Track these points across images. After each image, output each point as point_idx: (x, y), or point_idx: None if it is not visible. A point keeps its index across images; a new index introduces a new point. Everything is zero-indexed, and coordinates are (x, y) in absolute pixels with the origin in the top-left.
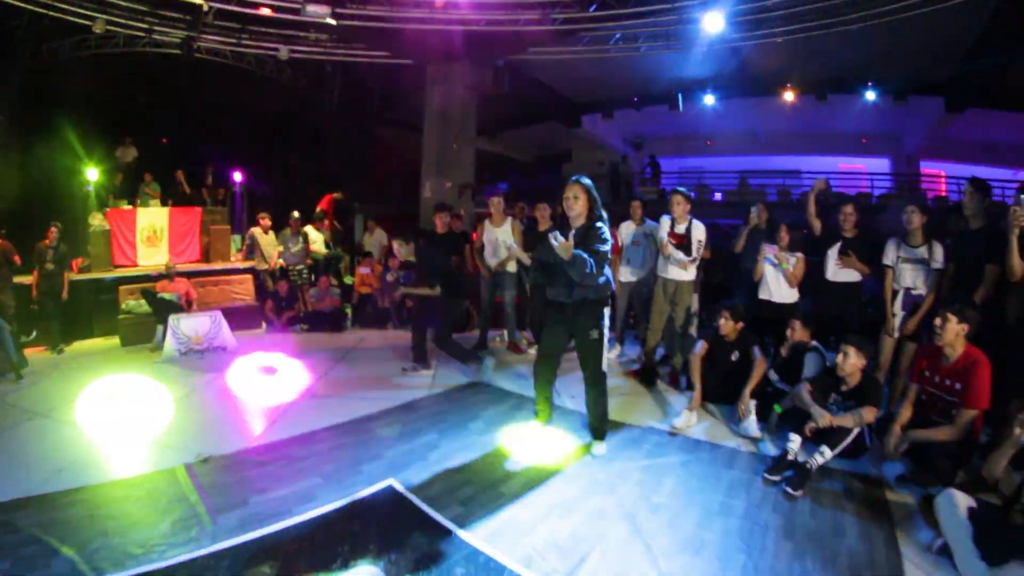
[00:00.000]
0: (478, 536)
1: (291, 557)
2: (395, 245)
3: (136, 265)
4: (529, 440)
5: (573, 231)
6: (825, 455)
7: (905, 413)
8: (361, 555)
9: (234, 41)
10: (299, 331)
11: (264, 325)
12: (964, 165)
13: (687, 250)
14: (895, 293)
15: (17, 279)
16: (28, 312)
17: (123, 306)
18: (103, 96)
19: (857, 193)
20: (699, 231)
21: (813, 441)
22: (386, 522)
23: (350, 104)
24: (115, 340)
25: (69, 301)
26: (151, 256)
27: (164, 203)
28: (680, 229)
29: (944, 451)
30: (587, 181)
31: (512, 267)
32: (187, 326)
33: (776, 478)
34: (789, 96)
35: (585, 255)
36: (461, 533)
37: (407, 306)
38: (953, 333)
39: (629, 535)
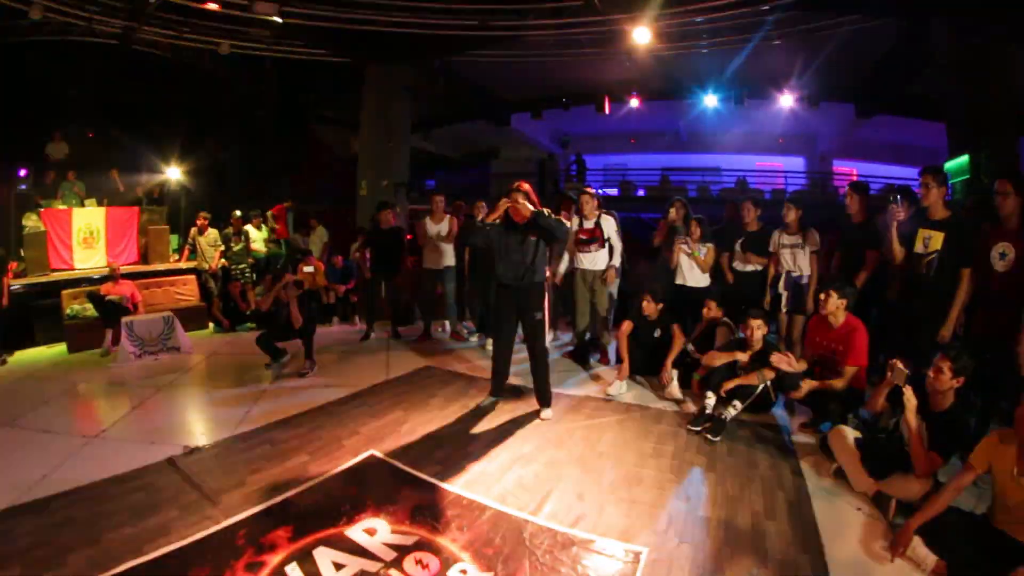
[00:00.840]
0: (458, 485)
1: (302, 519)
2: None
3: (73, 268)
4: (485, 410)
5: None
6: (737, 407)
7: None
8: (363, 510)
9: (175, 34)
10: (247, 330)
11: (211, 326)
12: (875, 164)
13: (599, 242)
14: (778, 275)
15: None
16: None
17: (67, 311)
18: (31, 87)
19: (772, 189)
20: (609, 225)
21: (725, 397)
22: (376, 483)
23: (286, 101)
24: (60, 347)
25: (8, 308)
26: (88, 258)
27: (99, 203)
28: (589, 224)
29: (834, 397)
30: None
31: (451, 261)
32: (141, 328)
33: (697, 428)
34: (710, 100)
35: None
36: (443, 484)
37: (351, 301)
38: (835, 305)
39: (581, 475)
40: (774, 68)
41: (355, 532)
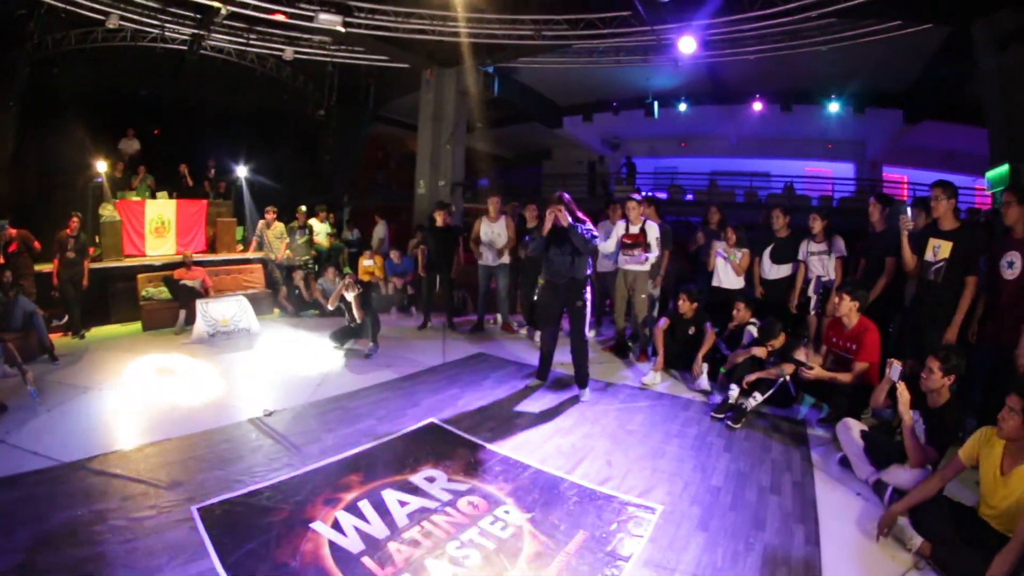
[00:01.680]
0: (505, 449)
1: (371, 468)
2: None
3: (144, 255)
4: (531, 391)
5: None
6: (757, 398)
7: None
8: (424, 463)
9: (242, 41)
10: (310, 316)
11: (277, 311)
12: (926, 171)
13: (643, 246)
14: (808, 280)
15: (36, 267)
16: (49, 299)
17: (143, 293)
18: (106, 89)
19: (820, 196)
20: (652, 230)
21: (748, 390)
22: (435, 444)
23: (346, 101)
24: (134, 326)
25: (88, 288)
26: (159, 247)
27: (170, 196)
28: (634, 230)
29: (842, 392)
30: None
31: (506, 259)
32: (215, 309)
33: (720, 416)
34: (757, 106)
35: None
36: (493, 446)
37: (409, 293)
38: (848, 307)
39: (611, 446)
40: (821, 74)
41: (417, 479)
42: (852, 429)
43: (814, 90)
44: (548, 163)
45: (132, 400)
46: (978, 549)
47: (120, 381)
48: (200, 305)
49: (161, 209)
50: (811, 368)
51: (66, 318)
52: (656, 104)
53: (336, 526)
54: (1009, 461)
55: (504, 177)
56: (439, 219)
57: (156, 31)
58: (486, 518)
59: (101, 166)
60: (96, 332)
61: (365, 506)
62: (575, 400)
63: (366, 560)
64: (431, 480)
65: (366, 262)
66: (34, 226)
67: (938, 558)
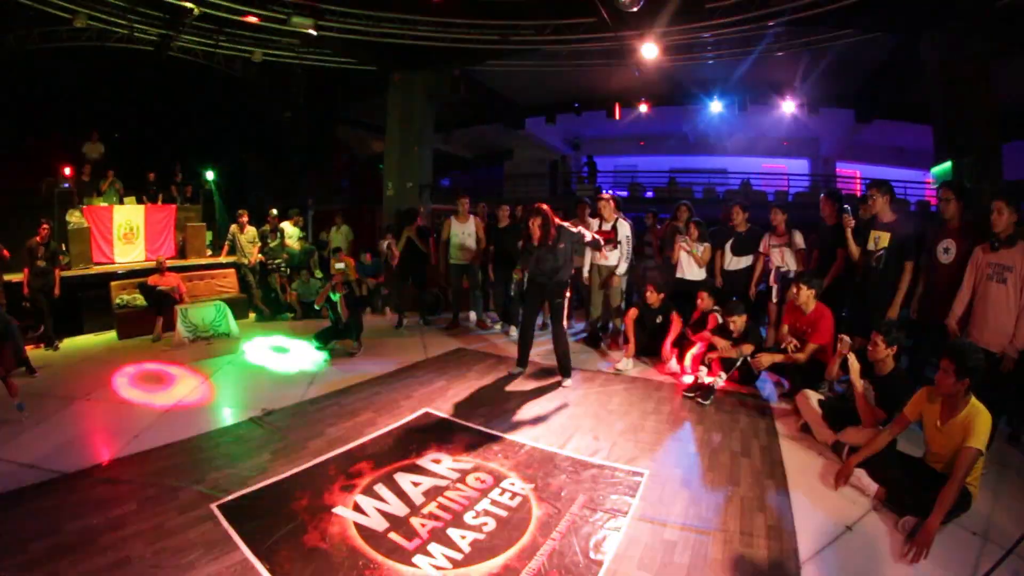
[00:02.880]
0: (500, 431)
1: (380, 455)
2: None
3: (113, 262)
4: (514, 379)
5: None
6: (723, 376)
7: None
8: (428, 448)
9: (211, 43)
10: (285, 319)
11: (253, 315)
12: (877, 166)
13: (614, 243)
14: (768, 271)
15: (5, 277)
16: (21, 309)
17: (116, 301)
18: (70, 90)
19: (776, 191)
20: (624, 228)
21: (715, 371)
22: (435, 431)
23: (313, 104)
24: (108, 335)
25: (59, 298)
26: (128, 253)
27: (139, 201)
28: (607, 227)
29: (798, 369)
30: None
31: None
32: (195, 315)
33: (691, 394)
34: (715, 106)
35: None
36: (488, 429)
37: (382, 293)
38: (805, 296)
39: (595, 424)
40: (776, 76)
41: (425, 462)
42: (811, 398)
43: (769, 91)
44: (510, 163)
45: (123, 408)
46: (925, 489)
47: (106, 390)
48: (180, 310)
49: (129, 215)
50: (761, 360)
51: (42, 329)
52: (618, 106)
53: (357, 509)
54: (946, 414)
55: (465, 177)
56: (410, 229)
57: (124, 31)
58: (495, 490)
59: (66, 170)
60: (70, 343)
61: (381, 488)
62: (556, 386)
63: (393, 536)
64: (437, 462)
65: (338, 264)
66: None
67: (892, 499)
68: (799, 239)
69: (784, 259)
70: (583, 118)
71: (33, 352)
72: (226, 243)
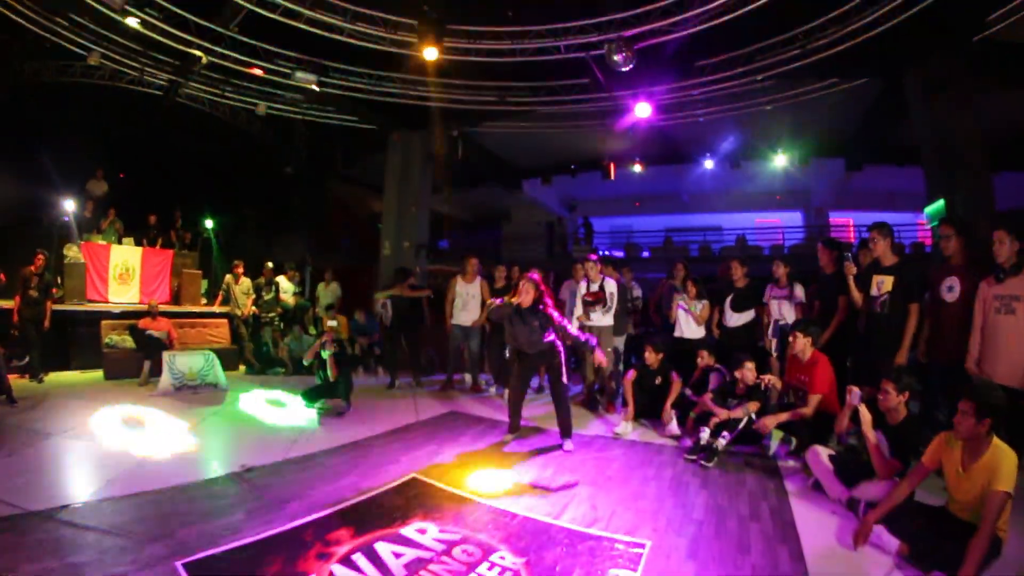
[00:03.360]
0: (491, 498)
1: (361, 522)
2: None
3: (107, 301)
4: (507, 445)
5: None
6: (726, 437)
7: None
8: (413, 515)
9: (217, 92)
10: (276, 374)
11: (243, 368)
12: (870, 213)
13: (603, 303)
14: (768, 324)
15: None
16: (8, 337)
17: (106, 340)
18: (80, 125)
19: (771, 245)
20: (610, 286)
21: (716, 431)
22: (421, 497)
23: (314, 159)
24: (95, 373)
25: (49, 330)
26: (123, 294)
27: (138, 243)
28: (595, 287)
29: (805, 424)
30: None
31: (478, 320)
32: (182, 363)
33: (693, 457)
34: (708, 164)
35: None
36: (478, 497)
37: (375, 353)
38: (802, 344)
39: (593, 491)
40: (766, 130)
41: (409, 531)
42: (821, 454)
43: (761, 146)
44: (508, 225)
45: (99, 450)
46: (952, 540)
47: (85, 429)
48: (167, 357)
49: (126, 255)
50: (765, 424)
51: (27, 359)
52: (613, 167)
53: None
54: (968, 458)
55: (465, 239)
56: (403, 287)
57: (135, 73)
58: (483, 565)
59: (68, 205)
60: (55, 377)
61: (360, 559)
62: (551, 450)
63: None
64: (422, 531)
65: (330, 322)
66: None
67: (917, 554)
68: (800, 292)
69: (782, 312)
70: (579, 179)
71: (17, 382)
72: (220, 293)
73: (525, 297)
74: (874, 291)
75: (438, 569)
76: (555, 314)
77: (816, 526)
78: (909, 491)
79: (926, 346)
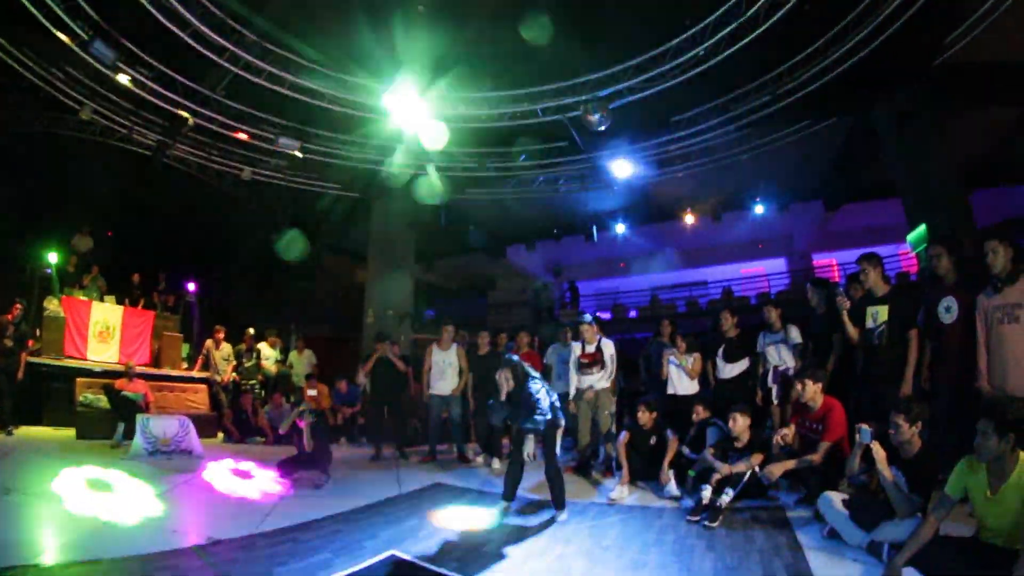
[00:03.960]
0: None
1: None
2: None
3: (85, 358)
4: (497, 516)
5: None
6: (729, 494)
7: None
8: None
9: (204, 155)
10: (255, 443)
11: (220, 435)
12: (852, 250)
13: (600, 364)
14: (767, 371)
15: None
16: None
17: (80, 398)
18: (67, 180)
19: (757, 293)
20: (608, 347)
21: (718, 488)
22: None
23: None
24: (67, 431)
25: (21, 383)
26: (101, 352)
27: (120, 302)
28: (591, 348)
29: (814, 471)
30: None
31: (457, 387)
32: (156, 427)
33: (696, 518)
34: (689, 219)
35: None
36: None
37: (358, 423)
38: (812, 391)
39: (589, 565)
40: (744, 180)
41: None
42: (834, 500)
43: (740, 196)
44: (492, 293)
45: (59, 510)
46: (988, 570)
47: (48, 488)
48: (140, 420)
49: (107, 314)
50: (772, 472)
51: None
52: (595, 228)
53: None
54: (995, 480)
55: (450, 307)
56: (383, 351)
57: (125, 131)
58: None
59: (52, 258)
60: (25, 431)
61: None
62: (543, 522)
63: None
64: None
65: (310, 391)
66: None
67: None
68: (795, 334)
69: (781, 357)
70: (563, 243)
71: None
72: (200, 358)
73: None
74: (869, 323)
75: None
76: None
77: None
78: (936, 527)
79: (929, 372)
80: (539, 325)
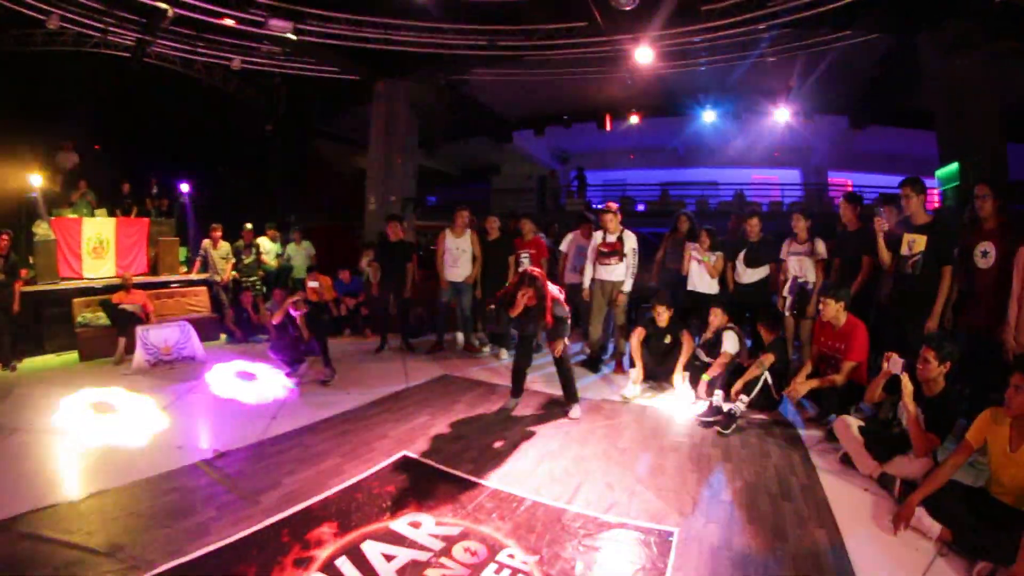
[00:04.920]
0: (493, 480)
1: (344, 516)
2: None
3: (82, 277)
4: (508, 412)
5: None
6: (744, 400)
7: (803, 370)
8: (405, 505)
9: (188, 48)
10: (259, 342)
11: (223, 336)
12: (868, 174)
13: (619, 255)
14: (785, 280)
15: None
16: None
17: (79, 319)
18: (43, 97)
19: (769, 202)
20: (631, 239)
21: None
22: (414, 481)
23: (294, 116)
24: (71, 355)
25: (19, 315)
26: (97, 268)
27: (111, 214)
28: (611, 239)
29: (835, 392)
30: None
31: (468, 275)
32: (156, 336)
33: (709, 419)
34: (708, 116)
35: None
36: (479, 479)
37: (362, 314)
38: (834, 310)
39: (607, 467)
40: (770, 83)
41: (400, 525)
42: (851, 426)
43: (763, 99)
44: (497, 178)
45: (65, 444)
46: (997, 527)
47: (52, 421)
48: (141, 332)
49: (100, 228)
50: (796, 390)
51: None
52: (609, 117)
53: None
54: (1017, 438)
55: (453, 194)
56: (391, 233)
57: (99, 35)
58: (490, 566)
59: (36, 180)
60: (29, 363)
61: (344, 564)
62: (556, 419)
63: None
64: (416, 525)
65: (311, 283)
66: None
67: (961, 542)
68: (821, 248)
69: (802, 269)
70: (572, 131)
71: None
72: (198, 259)
73: (525, 305)
74: (904, 251)
75: (436, 574)
76: (551, 295)
77: (850, 506)
78: (952, 471)
79: (953, 313)
80: (544, 212)
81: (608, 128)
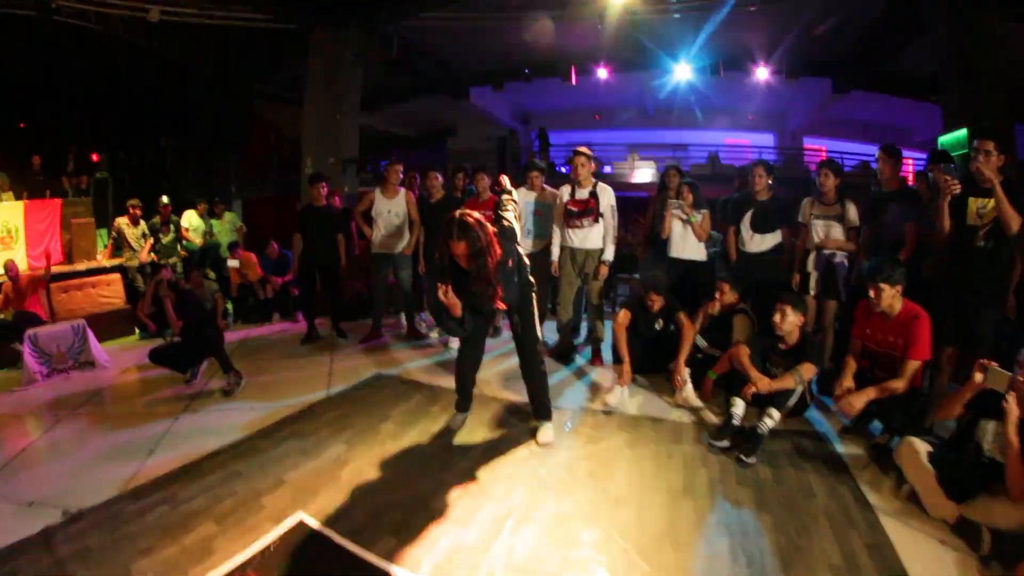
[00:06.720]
0: (426, 570)
1: None
2: None
3: None
4: (452, 435)
5: None
6: (774, 417)
7: (849, 373)
8: None
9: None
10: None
11: (137, 332)
12: (843, 142)
13: (594, 215)
14: (807, 252)
15: None
16: None
17: None
18: None
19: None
20: (607, 194)
21: (756, 404)
22: (305, 567)
23: (224, 76)
24: None
25: None
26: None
27: (18, 196)
28: (583, 194)
29: (898, 404)
30: None
31: (406, 244)
32: (47, 341)
33: (723, 443)
34: (683, 71)
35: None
36: (401, 568)
37: (292, 294)
38: (890, 297)
39: (600, 540)
40: (750, 39)
41: None
42: (920, 453)
43: (742, 56)
44: (453, 140)
45: None
46: None
47: None
48: (29, 338)
49: (6, 215)
50: (852, 405)
51: None
52: (574, 69)
53: None
54: None
55: (406, 157)
56: (316, 197)
57: None
58: None
59: None
60: None
61: None
62: (520, 444)
63: None
64: None
65: (231, 262)
66: None
67: None
68: (853, 213)
69: (830, 237)
70: (534, 88)
71: None
72: (110, 241)
73: (468, 262)
74: (973, 220)
75: None
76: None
77: (926, 569)
78: None
79: (1014, 298)
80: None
81: (574, 82)
